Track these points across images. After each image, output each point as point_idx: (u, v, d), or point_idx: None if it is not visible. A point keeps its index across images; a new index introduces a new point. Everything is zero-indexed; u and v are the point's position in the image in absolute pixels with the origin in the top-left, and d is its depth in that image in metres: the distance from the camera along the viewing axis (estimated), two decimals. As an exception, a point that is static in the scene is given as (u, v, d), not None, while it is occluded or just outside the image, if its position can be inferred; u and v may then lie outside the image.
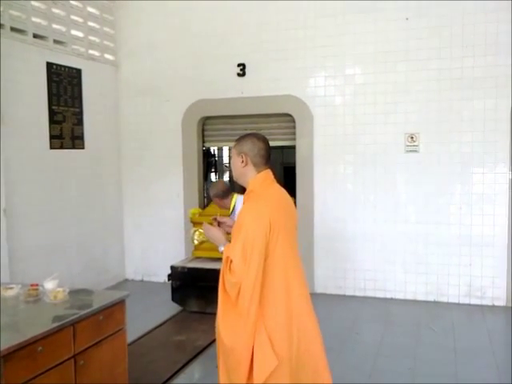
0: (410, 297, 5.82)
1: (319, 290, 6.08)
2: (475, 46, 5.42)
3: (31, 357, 2.41)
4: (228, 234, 2.61)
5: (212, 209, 5.63)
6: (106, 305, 2.95)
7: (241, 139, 2.55)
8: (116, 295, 3.15)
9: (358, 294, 6.00)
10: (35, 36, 5.36)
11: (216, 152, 8.78)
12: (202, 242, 4.83)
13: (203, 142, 6.70)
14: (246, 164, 2.49)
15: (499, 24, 5.33)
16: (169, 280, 5.55)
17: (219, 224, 2.72)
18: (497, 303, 5.55)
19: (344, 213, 6.00)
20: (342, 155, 5.98)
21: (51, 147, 5.54)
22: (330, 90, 5.96)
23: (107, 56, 6.54)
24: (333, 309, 5.55)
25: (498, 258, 5.51)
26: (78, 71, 5.93)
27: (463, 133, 5.55)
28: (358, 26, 5.78)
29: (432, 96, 5.61)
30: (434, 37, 5.54)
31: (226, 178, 9.12)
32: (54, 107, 5.55)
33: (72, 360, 2.68)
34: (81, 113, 5.97)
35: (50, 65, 5.51)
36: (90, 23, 6.21)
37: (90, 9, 6.18)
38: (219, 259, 2.47)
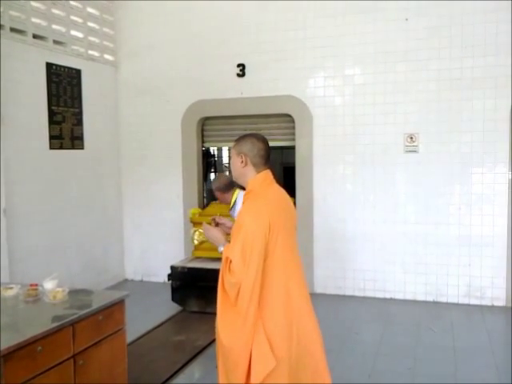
0: (409, 297, 5.83)
1: (319, 290, 6.08)
2: (475, 47, 5.43)
3: (31, 357, 2.41)
4: (228, 234, 2.61)
5: (212, 209, 5.64)
6: (105, 305, 2.95)
7: (240, 139, 2.55)
8: (115, 295, 3.15)
9: (357, 294, 6.00)
10: (35, 36, 5.36)
11: (216, 152, 8.79)
12: (201, 242, 4.85)
13: (203, 142, 6.70)
14: (246, 164, 2.49)
15: (499, 24, 5.33)
16: (169, 280, 5.55)
17: (217, 225, 2.72)
18: (496, 303, 5.56)
19: (343, 213, 6.00)
20: (341, 155, 5.98)
21: (51, 147, 5.54)
22: (329, 91, 5.96)
23: (107, 56, 6.55)
24: (332, 309, 5.56)
25: (498, 259, 5.52)
26: (78, 72, 5.93)
27: (463, 133, 5.55)
28: (357, 27, 5.78)
29: (431, 96, 5.62)
30: (433, 37, 5.55)
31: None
32: (53, 107, 5.56)
33: (71, 360, 2.68)
34: (80, 113, 5.97)
35: (49, 65, 5.51)
36: (90, 24, 6.21)
37: (89, 9, 6.19)
38: (219, 259, 2.47)
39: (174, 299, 5.55)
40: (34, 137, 5.36)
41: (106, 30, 6.51)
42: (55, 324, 2.58)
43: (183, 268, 5.50)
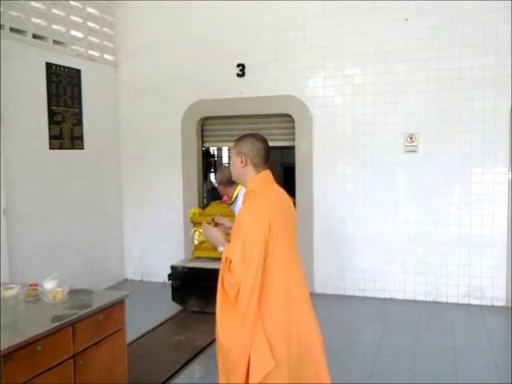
0: (409, 297, 5.83)
1: (319, 290, 6.08)
2: (474, 47, 5.43)
3: (31, 357, 2.41)
4: (227, 234, 2.61)
5: (212, 209, 5.64)
6: (105, 305, 2.95)
7: (240, 139, 2.55)
8: (115, 295, 3.15)
9: (357, 294, 6.00)
10: (35, 36, 5.36)
11: (215, 152, 8.79)
12: (202, 242, 4.86)
13: (203, 142, 6.70)
14: (246, 164, 2.49)
15: (498, 24, 5.33)
16: (169, 280, 5.56)
17: (217, 225, 2.72)
18: (496, 303, 5.56)
19: (343, 213, 6.00)
20: (341, 155, 5.98)
21: (51, 147, 5.54)
22: (329, 91, 5.96)
23: (107, 56, 6.55)
24: (332, 309, 5.56)
25: (498, 258, 5.52)
26: (78, 72, 5.93)
27: (462, 133, 5.55)
28: (357, 27, 5.78)
29: (431, 96, 5.62)
30: (433, 37, 5.55)
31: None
32: (53, 107, 5.56)
33: (71, 360, 2.68)
34: (80, 113, 5.97)
35: (49, 65, 5.51)
36: (90, 24, 6.21)
37: (89, 9, 6.19)
38: (219, 259, 2.47)
39: (174, 299, 5.55)
40: (34, 137, 5.36)
41: (105, 30, 6.51)
42: (55, 324, 2.58)
43: (183, 268, 5.51)
